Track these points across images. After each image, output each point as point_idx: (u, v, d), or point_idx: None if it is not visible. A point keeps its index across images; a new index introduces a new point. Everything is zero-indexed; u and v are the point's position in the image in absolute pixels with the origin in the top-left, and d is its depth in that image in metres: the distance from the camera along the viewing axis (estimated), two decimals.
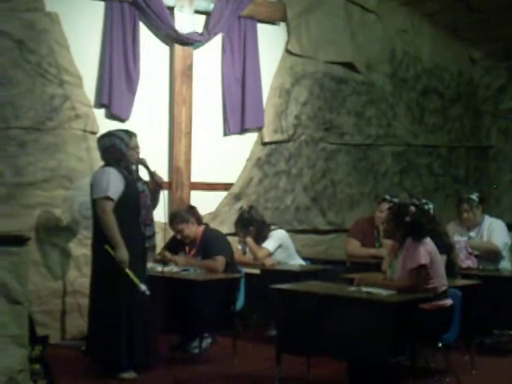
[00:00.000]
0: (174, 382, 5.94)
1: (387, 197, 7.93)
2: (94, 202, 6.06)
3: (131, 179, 6.14)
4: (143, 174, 6.42)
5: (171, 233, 7.51)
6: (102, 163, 6.27)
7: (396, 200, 7.72)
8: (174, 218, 7.09)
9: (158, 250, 7.03)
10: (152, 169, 6.43)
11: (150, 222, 6.28)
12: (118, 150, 6.11)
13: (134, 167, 6.27)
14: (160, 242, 7.71)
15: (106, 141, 6.19)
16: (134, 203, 6.12)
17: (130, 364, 6.04)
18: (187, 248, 7.09)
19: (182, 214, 7.08)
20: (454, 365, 5.96)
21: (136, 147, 6.26)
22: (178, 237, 7.07)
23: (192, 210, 7.20)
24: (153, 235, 6.34)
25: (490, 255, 7.44)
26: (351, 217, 9.07)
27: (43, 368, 5.24)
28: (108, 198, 5.95)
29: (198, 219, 7.14)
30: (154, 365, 6.19)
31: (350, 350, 5.47)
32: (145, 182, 6.32)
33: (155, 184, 6.42)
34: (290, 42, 8.95)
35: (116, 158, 6.12)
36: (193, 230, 7.03)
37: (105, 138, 6.24)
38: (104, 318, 6.01)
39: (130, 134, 6.27)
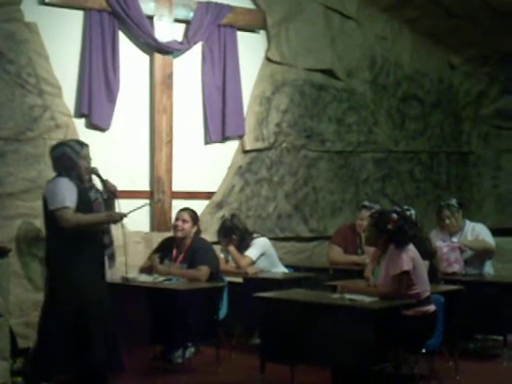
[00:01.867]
0: None
1: (366, 203, 7.95)
2: (51, 214, 5.92)
3: (83, 188, 6.07)
4: (97, 183, 6.40)
5: (153, 243, 7.50)
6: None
7: (376, 206, 7.74)
8: (188, 210, 7.16)
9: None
10: (104, 177, 6.40)
11: (107, 230, 6.26)
12: (68, 159, 6.05)
13: (86, 176, 6.20)
14: (144, 250, 7.71)
15: (57, 151, 6.15)
16: (88, 212, 6.01)
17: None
18: (174, 252, 7.06)
19: (195, 214, 7.17)
20: (438, 371, 5.99)
21: (87, 157, 6.20)
22: (178, 223, 7.03)
23: (199, 220, 7.25)
24: (110, 243, 6.31)
25: (485, 254, 7.46)
26: (333, 224, 9.07)
27: (25, 381, 5.21)
28: (67, 208, 5.85)
29: (198, 230, 7.17)
30: (121, 372, 6.12)
31: (333, 357, 5.47)
32: (97, 191, 6.27)
33: (109, 192, 6.39)
34: (270, 50, 8.95)
35: (66, 167, 6.04)
36: (190, 231, 7.05)
37: (56, 149, 6.19)
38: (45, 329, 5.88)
39: (82, 144, 6.24)
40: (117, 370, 6.10)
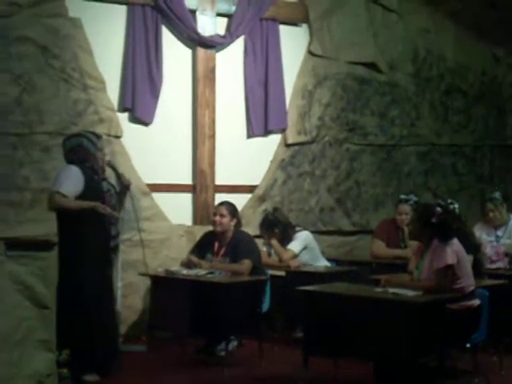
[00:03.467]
0: None
1: (403, 197, 7.92)
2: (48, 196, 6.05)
3: (95, 179, 6.09)
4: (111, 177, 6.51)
5: (196, 236, 7.53)
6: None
7: (413, 198, 7.73)
8: (226, 203, 7.12)
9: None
10: (120, 171, 6.44)
11: (115, 221, 6.28)
12: (84, 150, 6.08)
13: (103, 168, 6.26)
14: (186, 245, 7.75)
15: (73, 141, 6.17)
16: (99, 201, 6.01)
17: (92, 366, 5.90)
18: (216, 246, 7.07)
19: (233, 207, 7.11)
20: (482, 365, 5.92)
21: (103, 149, 6.27)
22: (216, 218, 7.03)
23: (238, 212, 7.22)
24: (117, 235, 6.35)
25: None
26: (376, 218, 9.03)
27: (71, 372, 5.26)
28: (58, 193, 5.89)
29: (238, 223, 7.14)
30: (119, 369, 6.09)
31: (376, 351, 5.44)
32: (110, 183, 6.32)
33: (122, 185, 6.43)
34: (312, 43, 8.93)
35: (80, 159, 6.06)
36: (229, 225, 7.01)
37: (72, 139, 6.21)
38: (70, 316, 5.79)
39: (97, 135, 6.29)
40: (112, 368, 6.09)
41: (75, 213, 5.89)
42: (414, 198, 7.80)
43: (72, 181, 5.94)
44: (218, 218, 7.02)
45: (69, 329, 5.67)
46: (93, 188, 6.02)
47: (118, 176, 6.46)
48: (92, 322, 5.91)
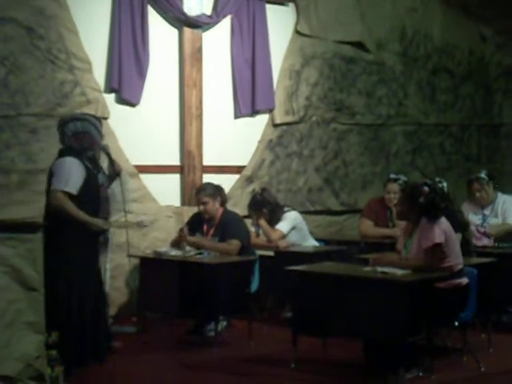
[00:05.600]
0: (187, 366, 5.95)
1: (392, 176, 7.93)
2: (50, 192, 5.78)
3: (93, 172, 5.85)
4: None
5: (184, 217, 7.53)
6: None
7: (402, 177, 7.74)
8: (203, 190, 7.10)
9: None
10: (112, 157, 6.17)
11: (107, 215, 6.01)
12: (90, 138, 5.85)
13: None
14: (175, 225, 7.74)
15: (78, 125, 5.85)
16: (94, 197, 5.86)
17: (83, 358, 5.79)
18: (205, 227, 7.08)
19: (212, 188, 7.09)
20: (470, 343, 5.95)
21: (103, 135, 6.06)
22: (200, 208, 7.05)
23: (220, 189, 7.18)
24: (108, 229, 6.14)
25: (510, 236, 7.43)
26: (364, 197, 9.05)
27: (60, 354, 5.25)
28: (64, 192, 5.67)
29: (223, 201, 7.14)
30: (103, 359, 5.94)
31: (366, 330, 5.46)
32: (104, 174, 6.03)
33: (113, 172, 6.13)
34: (300, 23, 8.91)
35: (84, 147, 5.83)
36: (215, 208, 7.03)
37: (77, 123, 5.87)
38: (58, 311, 5.66)
39: (101, 121, 6.09)
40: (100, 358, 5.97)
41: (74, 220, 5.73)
42: (402, 177, 7.81)
43: (75, 177, 5.70)
44: (201, 207, 7.04)
45: (57, 314, 5.58)
46: (90, 183, 5.80)
47: (111, 162, 6.31)
48: (84, 313, 5.79)
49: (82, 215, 5.71)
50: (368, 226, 7.95)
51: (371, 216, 7.99)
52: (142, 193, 7.85)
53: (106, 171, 6.13)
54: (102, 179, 5.96)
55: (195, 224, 7.14)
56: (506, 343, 6.56)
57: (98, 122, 6.02)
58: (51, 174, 5.82)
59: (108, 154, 6.20)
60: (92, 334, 5.85)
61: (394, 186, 7.77)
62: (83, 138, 5.84)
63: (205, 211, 7.03)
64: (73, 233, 5.73)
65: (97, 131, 5.92)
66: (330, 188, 9.14)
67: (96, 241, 6.01)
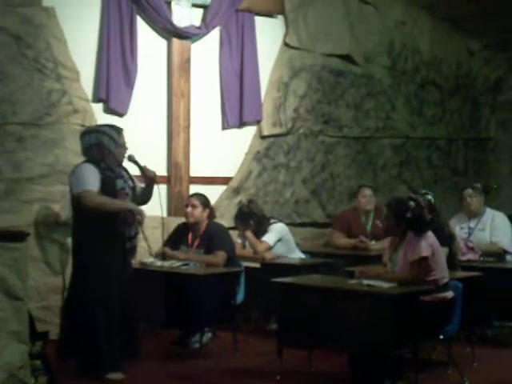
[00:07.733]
0: (172, 377, 5.93)
1: (361, 183, 8.43)
2: (75, 199, 5.90)
3: (109, 176, 5.94)
4: (134, 171, 6.37)
5: (170, 228, 7.50)
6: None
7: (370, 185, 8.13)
8: (197, 195, 7.12)
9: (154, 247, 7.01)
10: (142, 164, 6.35)
11: (133, 221, 6.05)
12: (104, 149, 5.95)
13: (119, 163, 6.11)
14: (159, 236, 7.71)
15: (92, 138, 6.00)
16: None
17: (115, 362, 5.88)
18: (190, 238, 7.06)
19: (205, 198, 7.09)
20: (455, 357, 5.95)
21: (124, 144, 6.13)
22: (188, 209, 7.00)
23: (211, 205, 7.20)
24: (135, 235, 6.16)
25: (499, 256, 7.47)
26: None
27: (44, 364, 5.22)
28: (89, 190, 5.81)
29: (211, 214, 7.12)
30: (139, 359, 6.12)
31: (351, 342, 5.47)
32: (127, 180, 6.11)
33: (147, 178, 6.33)
34: (288, 35, 8.92)
35: (97, 157, 5.95)
36: (201, 216, 6.99)
37: (91, 135, 6.04)
38: (79, 317, 5.87)
39: (119, 131, 6.12)
40: (134, 356, 6.11)
41: (111, 214, 5.89)
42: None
43: (92, 177, 5.82)
44: (189, 209, 7.00)
45: (83, 328, 5.79)
46: (107, 186, 5.89)
47: (142, 170, 6.33)
48: (109, 317, 5.87)
49: (117, 202, 5.90)
50: (338, 238, 8.25)
51: (343, 228, 8.28)
52: None
53: (141, 181, 6.30)
54: (123, 184, 6.03)
55: (179, 235, 7.11)
56: (491, 357, 6.57)
57: (113, 131, 6.07)
58: (71, 187, 5.98)
59: (136, 163, 6.24)
60: (119, 337, 5.90)
61: (368, 191, 8.19)
62: (97, 149, 5.97)
63: (191, 214, 6.98)
64: (99, 237, 5.87)
65: (111, 141, 5.98)
66: (316, 200, 9.14)
67: (123, 247, 6.05)
